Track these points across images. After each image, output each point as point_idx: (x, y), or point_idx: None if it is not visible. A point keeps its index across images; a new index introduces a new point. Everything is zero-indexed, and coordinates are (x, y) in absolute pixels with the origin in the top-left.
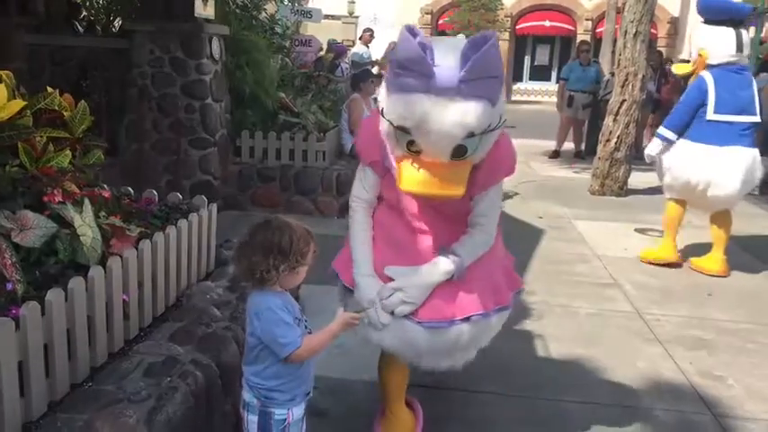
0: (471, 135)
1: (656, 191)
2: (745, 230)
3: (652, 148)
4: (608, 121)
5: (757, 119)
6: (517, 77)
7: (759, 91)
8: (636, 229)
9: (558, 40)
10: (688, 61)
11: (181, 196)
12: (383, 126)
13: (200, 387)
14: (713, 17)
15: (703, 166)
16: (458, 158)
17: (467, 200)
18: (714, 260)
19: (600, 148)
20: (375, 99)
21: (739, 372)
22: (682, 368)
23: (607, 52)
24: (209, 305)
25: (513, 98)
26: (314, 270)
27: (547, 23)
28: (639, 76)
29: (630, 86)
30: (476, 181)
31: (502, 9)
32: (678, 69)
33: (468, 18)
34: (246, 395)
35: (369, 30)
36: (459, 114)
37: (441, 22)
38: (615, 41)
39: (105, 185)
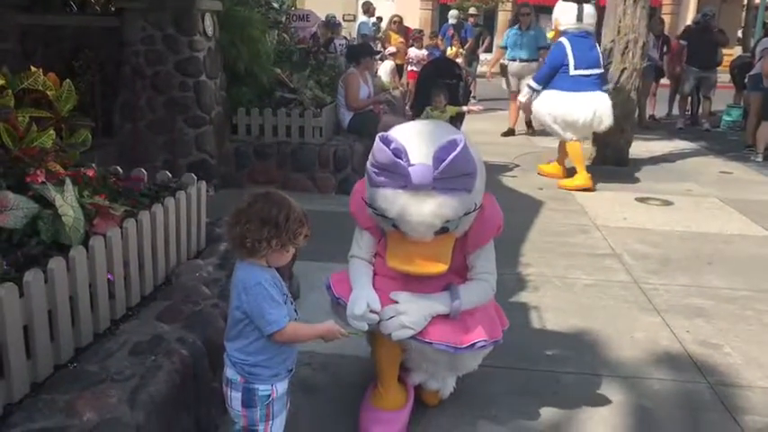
0: (450, 221)
1: (658, 160)
2: (745, 197)
3: (523, 95)
4: (608, 89)
5: (601, 71)
6: None
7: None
8: (636, 199)
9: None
10: None
11: (170, 174)
12: (368, 210)
13: (186, 365)
14: None
15: (588, 107)
16: (442, 234)
17: (462, 258)
18: (582, 177)
19: None
20: (374, 75)
21: (737, 340)
22: (679, 337)
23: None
24: (198, 283)
25: None
26: (308, 248)
27: None
28: (640, 43)
29: (631, 54)
30: (467, 242)
31: None
32: (550, 35)
33: None
34: (229, 372)
35: (367, 3)
36: (435, 207)
37: None
38: None
39: (93, 165)
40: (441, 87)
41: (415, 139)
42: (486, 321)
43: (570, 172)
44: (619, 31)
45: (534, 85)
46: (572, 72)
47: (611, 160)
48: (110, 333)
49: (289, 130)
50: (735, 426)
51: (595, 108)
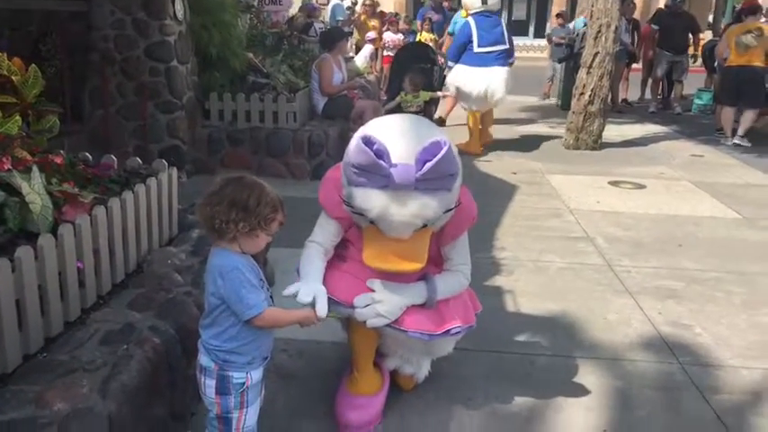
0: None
1: (630, 144)
2: (716, 180)
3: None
4: (581, 73)
5: (505, 47)
6: None
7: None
8: (609, 182)
9: None
10: None
11: (140, 161)
12: (345, 207)
13: (159, 353)
14: None
15: (483, 81)
16: (420, 228)
17: (437, 249)
18: (473, 145)
19: (574, 101)
20: (347, 58)
21: (707, 320)
22: (651, 318)
23: (583, 4)
24: (170, 271)
25: None
26: (283, 233)
27: None
28: (612, 27)
29: (603, 38)
30: (443, 235)
31: None
32: (461, 16)
33: None
34: (203, 359)
35: None
36: (417, 208)
37: None
38: None
39: (61, 152)
40: (415, 72)
41: (396, 139)
42: (460, 308)
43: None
44: (591, 15)
45: (450, 63)
46: (476, 49)
47: (584, 144)
48: (80, 322)
49: (262, 115)
50: (705, 405)
51: (489, 82)
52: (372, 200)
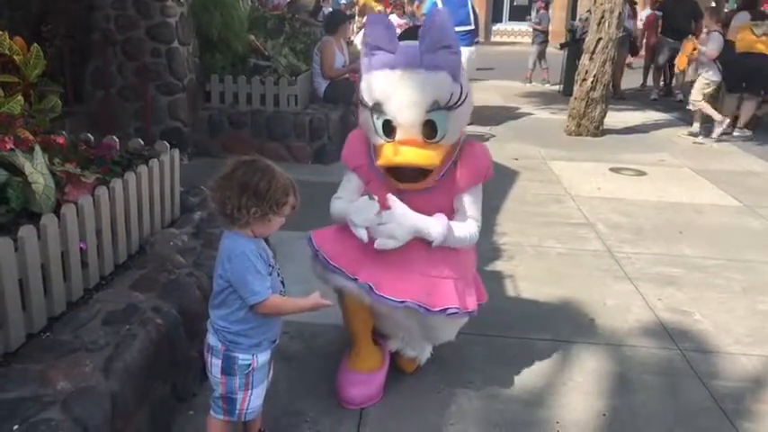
0: (437, 107)
1: (632, 130)
2: (717, 167)
3: None
4: (584, 59)
5: (471, 27)
6: (496, 18)
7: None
8: (611, 169)
9: None
10: None
11: (142, 142)
12: (362, 116)
13: (161, 334)
14: None
15: None
16: (431, 140)
17: (450, 200)
18: None
19: (576, 87)
20: (349, 42)
21: (706, 307)
22: (651, 305)
23: None
24: (172, 252)
25: (493, 39)
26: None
27: None
28: (616, 13)
29: (607, 24)
30: (456, 178)
31: None
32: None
33: None
34: (211, 338)
35: None
36: (421, 83)
37: None
38: None
39: (63, 132)
40: None
41: (404, 36)
42: (461, 290)
43: None
44: (595, 1)
45: None
46: None
47: (585, 131)
48: (83, 302)
49: (263, 98)
50: (704, 390)
51: None
52: (382, 79)
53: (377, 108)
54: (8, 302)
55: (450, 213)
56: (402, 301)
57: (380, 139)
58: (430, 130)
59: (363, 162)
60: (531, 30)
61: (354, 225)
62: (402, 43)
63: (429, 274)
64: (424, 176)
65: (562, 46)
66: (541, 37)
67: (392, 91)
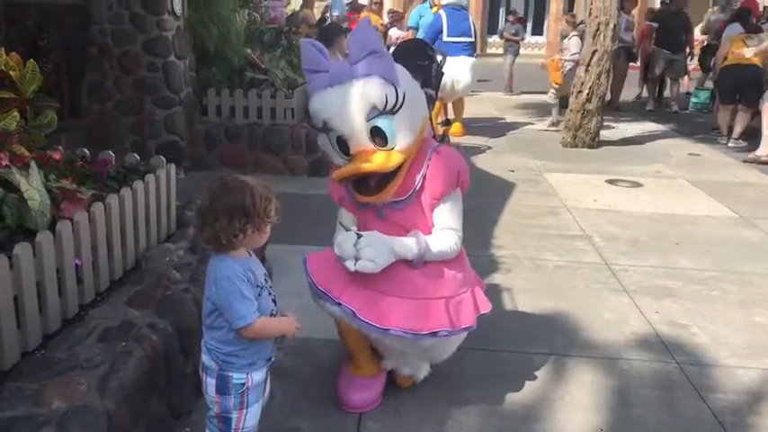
0: (378, 113)
1: (628, 142)
2: (713, 178)
3: None
4: (579, 71)
5: (472, 39)
6: (492, 29)
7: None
8: (607, 181)
9: None
10: None
11: (138, 157)
12: (321, 140)
13: (157, 351)
14: None
15: (448, 69)
16: (383, 147)
17: (428, 214)
18: (457, 127)
19: (571, 99)
20: (345, 55)
21: (703, 319)
22: (648, 317)
23: (582, 2)
24: (168, 268)
25: (489, 51)
26: (280, 230)
27: None
28: (611, 25)
29: (602, 36)
30: (428, 188)
31: None
32: (433, 10)
33: None
34: (205, 358)
35: None
36: (355, 91)
37: None
38: None
39: (59, 147)
40: (412, 69)
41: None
42: (453, 308)
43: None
44: (590, 13)
45: None
46: (445, 38)
47: (581, 142)
48: (78, 319)
49: (260, 111)
50: (702, 404)
51: (454, 71)
52: (322, 97)
53: (326, 127)
54: (3, 320)
55: (431, 227)
56: (386, 329)
57: (341, 159)
58: (380, 137)
59: (343, 194)
60: (504, 41)
61: (341, 259)
62: (334, 62)
63: (417, 296)
64: (387, 183)
65: None
66: (515, 48)
67: (333, 106)
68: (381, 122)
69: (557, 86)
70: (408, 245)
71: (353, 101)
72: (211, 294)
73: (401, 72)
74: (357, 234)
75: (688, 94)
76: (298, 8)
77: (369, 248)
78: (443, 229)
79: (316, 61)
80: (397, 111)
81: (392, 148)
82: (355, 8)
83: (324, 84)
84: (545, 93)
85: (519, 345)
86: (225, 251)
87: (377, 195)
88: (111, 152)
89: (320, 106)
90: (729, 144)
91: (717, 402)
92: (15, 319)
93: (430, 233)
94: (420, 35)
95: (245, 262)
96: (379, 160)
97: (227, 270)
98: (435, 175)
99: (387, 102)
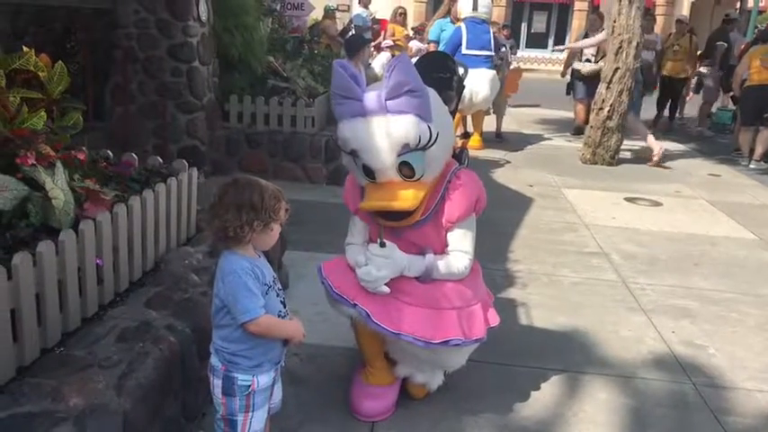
0: (408, 149)
1: (648, 160)
2: (733, 200)
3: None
4: (601, 88)
5: (491, 53)
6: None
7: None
8: (626, 199)
9: (556, 6)
10: None
11: (161, 160)
12: (345, 159)
13: (174, 352)
14: None
15: (467, 82)
16: (410, 179)
17: (443, 233)
18: (476, 140)
19: (592, 116)
20: (368, 65)
21: (721, 341)
22: (664, 337)
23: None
24: (187, 270)
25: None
26: (299, 236)
27: None
28: (633, 43)
29: (624, 54)
30: (443, 211)
31: None
32: (454, 24)
33: None
34: (213, 358)
35: None
36: (388, 128)
37: None
38: None
39: (83, 148)
40: (434, 81)
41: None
42: (465, 319)
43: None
44: (613, 31)
45: None
46: (464, 51)
47: (601, 159)
48: (98, 318)
49: (281, 119)
50: (718, 427)
51: (473, 83)
52: (352, 127)
53: (354, 154)
54: (24, 316)
55: (444, 247)
56: (397, 333)
57: (364, 180)
58: (408, 169)
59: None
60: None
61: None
62: (368, 91)
63: (430, 305)
64: (408, 215)
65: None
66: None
67: (364, 139)
68: (412, 158)
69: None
70: (417, 263)
71: (386, 138)
72: (219, 290)
73: (433, 98)
74: (382, 242)
75: (708, 116)
76: (319, 18)
77: (381, 265)
78: (456, 252)
79: (348, 88)
80: (429, 147)
81: (419, 179)
82: (375, 21)
83: (355, 112)
84: (562, 109)
85: (534, 360)
86: (232, 246)
87: (402, 222)
88: (134, 154)
89: (350, 135)
90: (751, 165)
91: (733, 426)
92: (36, 315)
93: (443, 251)
94: (441, 48)
95: (253, 260)
96: (408, 197)
97: (235, 265)
98: (454, 200)
99: (420, 141)
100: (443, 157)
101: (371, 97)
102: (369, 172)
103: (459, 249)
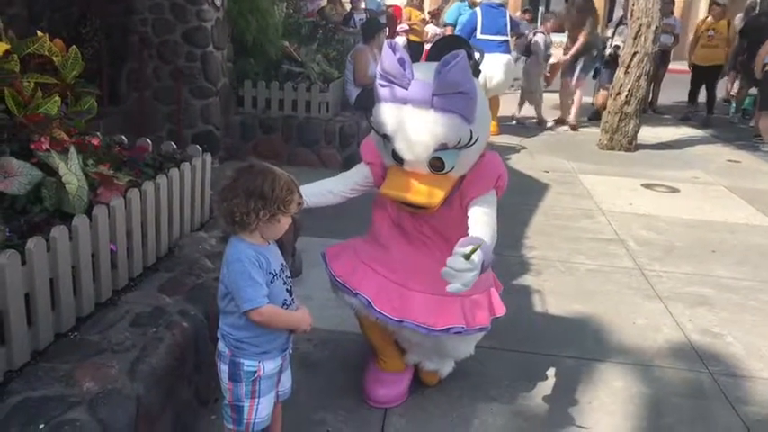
0: (445, 148)
1: (666, 146)
2: (752, 186)
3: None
4: (619, 73)
5: (507, 38)
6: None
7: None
8: (643, 185)
9: None
10: None
11: (175, 145)
12: (375, 137)
13: (187, 337)
14: None
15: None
16: (438, 172)
17: (463, 217)
18: (492, 125)
19: (609, 101)
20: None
21: (738, 329)
22: (681, 325)
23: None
24: (200, 256)
25: None
26: (313, 223)
27: None
28: (653, 27)
29: (643, 38)
30: (465, 193)
31: None
32: (468, 7)
33: None
34: (220, 344)
35: None
36: (430, 124)
37: None
38: None
39: (98, 133)
40: None
41: (422, 66)
42: (469, 307)
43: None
44: (632, 15)
45: None
46: (478, 36)
47: (618, 145)
48: (111, 303)
49: (295, 104)
50: (734, 416)
51: (487, 68)
52: (392, 114)
53: (387, 138)
54: (38, 301)
55: (466, 228)
56: (400, 320)
57: (391, 162)
58: (438, 163)
59: (377, 161)
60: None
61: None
62: (416, 79)
63: (434, 291)
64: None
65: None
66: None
67: (402, 129)
68: (446, 155)
69: None
70: (489, 257)
71: (425, 133)
72: (224, 277)
73: (480, 100)
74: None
75: (726, 101)
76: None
77: (469, 275)
78: (478, 225)
79: (395, 73)
80: (465, 148)
81: (447, 173)
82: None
83: (398, 98)
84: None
85: (548, 347)
86: (238, 231)
87: (419, 211)
88: (147, 140)
89: (387, 121)
90: None
91: (750, 415)
92: (50, 300)
93: (463, 234)
94: (456, 32)
95: (260, 248)
96: (430, 194)
97: (239, 253)
98: (475, 179)
99: (460, 142)
100: (476, 157)
101: (418, 87)
102: (398, 158)
103: (483, 222)
